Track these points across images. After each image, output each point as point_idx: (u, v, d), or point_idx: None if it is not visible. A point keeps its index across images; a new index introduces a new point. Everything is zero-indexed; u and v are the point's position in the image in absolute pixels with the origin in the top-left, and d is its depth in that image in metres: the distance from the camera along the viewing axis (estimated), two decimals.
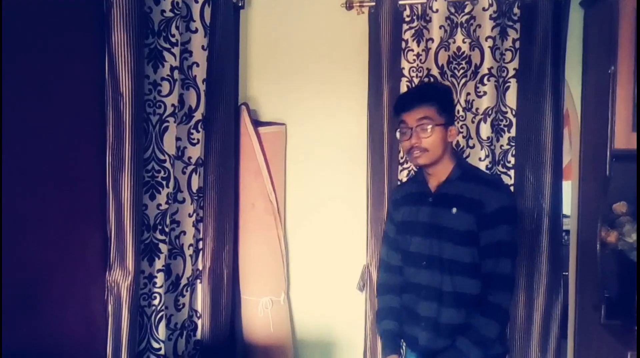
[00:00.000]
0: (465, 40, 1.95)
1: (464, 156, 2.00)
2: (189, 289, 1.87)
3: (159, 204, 1.64)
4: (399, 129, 1.64)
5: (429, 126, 1.56)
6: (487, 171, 1.97)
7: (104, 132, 1.35)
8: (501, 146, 1.98)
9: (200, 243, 1.95)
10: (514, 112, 1.97)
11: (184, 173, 1.78)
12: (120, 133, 1.35)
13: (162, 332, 1.65)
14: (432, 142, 1.57)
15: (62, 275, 1.27)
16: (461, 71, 1.97)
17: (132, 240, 1.39)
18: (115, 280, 1.39)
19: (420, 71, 2.02)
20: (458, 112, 1.98)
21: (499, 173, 1.99)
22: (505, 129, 1.97)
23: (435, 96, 1.61)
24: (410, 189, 1.78)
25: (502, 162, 1.98)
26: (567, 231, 2.22)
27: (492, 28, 1.93)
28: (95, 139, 1.35)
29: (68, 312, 1.28)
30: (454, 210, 1.58)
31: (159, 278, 1.63)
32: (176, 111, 1.65)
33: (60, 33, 1.25)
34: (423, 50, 2.01)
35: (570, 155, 2.16)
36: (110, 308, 1.40)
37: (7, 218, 1.10)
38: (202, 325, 1.95)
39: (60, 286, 1.27)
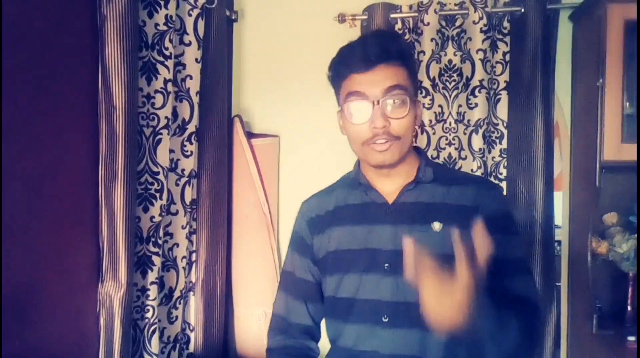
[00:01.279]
0: (457, 53, 1.98)
1: (456, 168, 2.01)
2: (182, 302, 1.86)
3: (152, 217, 1.64)
4: (344, 105, 1.09)
5: (404, 98, 1.06)
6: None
7: (96, 144, 1.35)
8: (493, 157, 2.00)
9: (194, 255, 1.94)
10: (505, 124, 1.99)
11: (177, 184, 1.78)
12: (113, 145, 1.36)
13: (155, 345, 1.64)
14: (407, 124, 1.08)
15: (53, 287, 1.26)
16: (452, 83, 1.99)
17: (125, 252, 1.39)
18: (107, 292, 1.38)
19: None
20: (450, 124, 2.00)
21: None
22: (497, 140, 1.99)
23: (403, 49, 1.11)
24: (345, 199, 1.21)
25: (494, 174, 2.00)
26: (559, 242, 2.23)
27: (483, 41, 1.95)
28: (88, 151, 1.35)
29: (60, 324, 1.27)
30: (437, 226, 1.08)
31: (152, 291, 1.62)
32: (169, 123, 1.66)
33: (54, 46, 1.25)
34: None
35: (561, 166, 2.18)
36: (102, 320, 1.39)
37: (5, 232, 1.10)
38: (195, 337, 1.94)
39: (52, 298, 1.26)
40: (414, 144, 1.20)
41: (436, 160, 2.01)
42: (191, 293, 1.94)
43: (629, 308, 1.81)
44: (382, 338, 1.08)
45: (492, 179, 2.00)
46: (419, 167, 1.17)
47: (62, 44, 1.27)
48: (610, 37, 1.69)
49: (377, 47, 1.07)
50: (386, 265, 1.09)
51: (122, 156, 1.36)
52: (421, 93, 2.01)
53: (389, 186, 1.16)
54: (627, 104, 1.72)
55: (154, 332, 1.62)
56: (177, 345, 1.86)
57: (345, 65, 1.10)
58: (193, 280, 1.94)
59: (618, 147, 1.70)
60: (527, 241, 1.99)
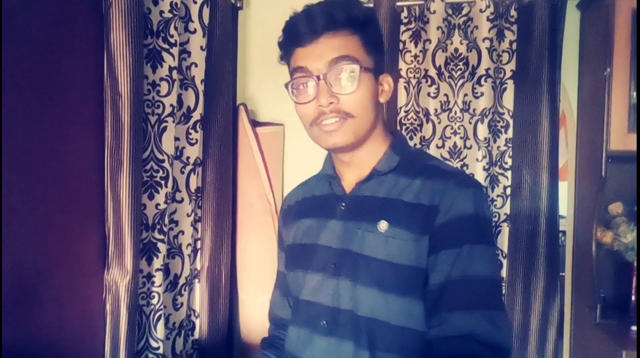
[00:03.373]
0: (463, 41, 1.96)
1: (461, 158, 2.00)
2: (187, 288, 1.87)
3: (158, 204, 1.64)
4: (291, 84, 1.00)
5: (353, 70, 0.94)
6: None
7: (102, 132, 1.35)
8: (498, 147, 1.99)
9: (199, 242, 1.95)
10: (510, 114, 1.98)
11: (182, 172, 1.78)
12: (119, 133, 1.36)
13: (160, 331, 1.65)
14: (359, 100, 0.95)
15: (60, 274, 1.27)
16: (458, 72, 1.98)
17: (130, 239, 1.39)
18: (113, 279, 1.39)
19: (418, 71, 2.03)
20: (455, 113, 1.99)
21: (496, 174, 2.00)
22: (503, 130, 1.99)
23: (355, 16, 0.97)
24: (313, 189, 1.14)
25: (499, 163, 1.99)
26: (563, 232, 2.23)
27: (489, 29, 1.94)
28: (94, 139, 1.35)
29: (66, 311, 1.29)
30: (383, 226, 0.94)
31: (158, 278, 1.63)
32: (175, 111, 1.66)
33: (59, 33, 1.25)
34: (420, 51, 2.02)
35: (567, 156, 2.18)
36: (108, 307, 1.40)
37: (6, 218, 1.11)
38: (200, 324, 1.96)
39: (58, 285, 1.27)
40: (394, 130, 1.12)
41: (441, 150, 2.00)
42: (196, 280, 1.95)
43: (633, 297, 1.81)
44: (318, 347, 0.98)
45: (497, 168, 2.00)
46: (385, 152, 1.03)
47: (67, 31, 1.27)
48: (618, 26, 1.68)
49: (321, 15, 0.95)
50: (332, 265, 0.98)
51: (127, 144, 1.37)
52: (427, 81, 2.00)
53: (350, 176, 1.05)
54: (634, 94, 1.71)
55: (159, 318, 1.64)
56: (182, 332, 1.87)
57: (289, 40, 1.01)
58: (198, 268, 1.95)
59: (624, 137, 1.70)
60: (532, 232, 1.98)
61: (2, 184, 1.10)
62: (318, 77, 0.95)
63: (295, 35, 0.99)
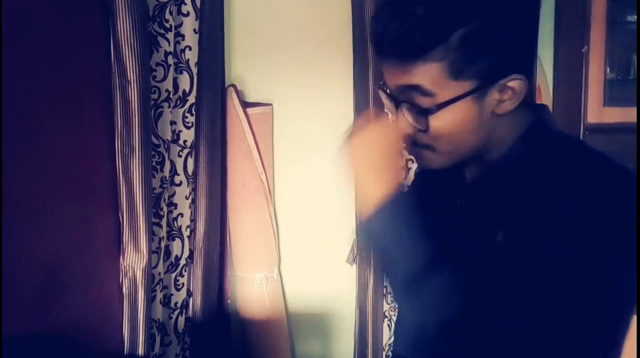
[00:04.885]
0: None
1: None
2: (187, 269, 1.91)
3: (154, 189, 1.66)
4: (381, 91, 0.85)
5: (421, 107, 0.76)
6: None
7: (111, 120, 1.36)
8: None
9: (192, 223, 1.98)
10: None
11: (180, 156, 1.80)
12: (129, 119, 1.37)
13: (159, 311, 1.70)
14: (439, 136, 0.78)
15: (81, 260, 1.30)
16: None
17: (144, 223, 1.42)
18: (129, 263, 1.42)
19: None
20: None
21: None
22: None
23: (449, 28, 0.72)
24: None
25: None
26: None
27: None
28: (103, 127, 1.36)
29: (87, 296, 1.32)
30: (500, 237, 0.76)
31: (154, 260, 1.65)
32: (170, 95, 1.67)
33: (66, 21, 1.25)
34: None
35: None
36: (125, 290, 1.44)
37: (30, 210, 1.13)
38: (193, 303, 1.98)
39: (80, 271, 1.30)
40: (538, 105, 0.88)
41: None
42: (191, 260, 1.98)
43: None
44: None
45: None
46: (509, 144, 0.82)
47: (74, 20, 1.26)
48: (596, 3, 1.78)
49: (395, 35, 0.74)
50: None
51: (138, 129, 1.38)
52: None
53: (472, 163, 0.87)
54: (608, 69, 1.83)
55: (153, 298, 1.66)
56: (184, 311, 1.92)
57: (377, 42, 0.80)
58: (192, 248, 1.98)
59: (600, 110, 1.81)
60: None
61: (20, 177, 1.11)
62: (395, 102, 0.80)
63: (380, 43, 0.79)
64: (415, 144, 0.82)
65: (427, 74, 0.74)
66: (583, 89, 1.81)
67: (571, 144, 0.85)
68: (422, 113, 0.76)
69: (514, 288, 0.71)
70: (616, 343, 0.77)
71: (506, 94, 0.78)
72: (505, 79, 0.76)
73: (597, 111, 1.80)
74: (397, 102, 0.80)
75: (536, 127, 0.83)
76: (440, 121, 0.76)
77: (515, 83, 0.77)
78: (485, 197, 0.83)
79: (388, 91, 0.82)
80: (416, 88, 0.76)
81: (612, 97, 1.79)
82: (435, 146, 0.80)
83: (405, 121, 0.79)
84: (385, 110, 0.85)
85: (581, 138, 1.84)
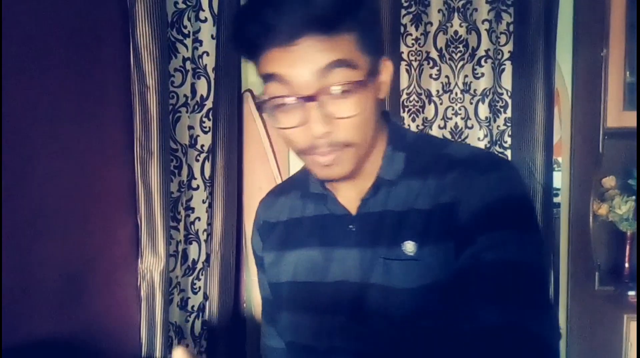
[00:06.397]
0: (462, 24, 2.02)
1: (462, 137, 2.07)
2: (204, 273, 1.92)
3: (171, 193, 1.68)
4: (268, 103, 0.75)
5: (350, 79, 0.70)
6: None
7: (130, 125, 1.38)
8: (498, 126, 2.07)
9: (209, 227, 2.00)
10: (509, 94, 2.06)
11: (197, 160, 1.82)
12: (148, 124, 1.39)
13: (176, 314, 1.70)
14: (361, 123, 0.73)
15: (100, 264, 1.32)
16: (458, 54, 2.05)
17: (162, 227, 1.44)
18: (147, 267, 1.44)
19: (419, 54, 2.08)
20: (456, 94, 2.06)
21: (497, 152, 2.08)
22: (502, 110, 2.06)
23: (356, 5, 0.70)
24: (302, 208, 0.90)
25: (499, 142, 2.08)
26: (557, 204, 2.35)
27: (488, 11, 2.00)
28: (122, 132, 1.38)
29: (107, 299, 1.34)
30: (410, 247, 0.74)
31: (171, 263, 1.67)
32: (188, 101, 1.69)
33: (86, 26, 1.27)
34: (422, 34, 2.07)
35: (560, 133, 2.27)
36: (143, 293, 1.45)
37: (51, 215, 1.15)
38: (210, 307, 1.99)
39: (99, 275, 1.32)
40: (384, 112, 0.84)
41: (443, 131, 2.08)
42: (208, 264, 2.00)
43: (627, 265, 1.93)
44: None
45: (497, 147, 2.08)
46: (382, 157, 0.80)
47: (95, 27, 1.28)
48: (614, 7, 1.76)
49: (305, 5, 0.66)
50: (340, 306, 0.79)
51: (156, 134, 1.40)
52: (429, 64, 2.06)
53: (347, 192, 0.83)
54: (628, 73, 1.80)
55: (171, 301, 1.67)
56: (200, 314, 1.93)
57: (254, 34, 0.70)
58: (209, 252, 1.99)
59: (620, 114, 1.79)
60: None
61: (41, 182, 1.13)
62: (308, 98, 0.69)
63: (264, 29, 0.68)
64: (324, 148, 0.73)
65: (346, 46, 0.70)
66: (602, 93, 1.79)
67: (428, 138, 0.97)
68: (352, 91, 0.70)
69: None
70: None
71: (382, 75, 0.77)
72: (381, 58, 0.77)
73: (616, 115, 1.78)
74: (309, 100, 0.70)
75: (396, 133, 0.85)
76: (361, 102, 0.72)
77: (387, 64, 0.78)
78: (383, 211, 0.79)
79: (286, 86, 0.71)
80: (342, 63, 0.69)
81: (631, 101, 1.76)
82: (354, 141, 0.73)
83: (323, 119, 0.70)
84: (284, 126, 0.75)
85: (600, 142, 1.82)
